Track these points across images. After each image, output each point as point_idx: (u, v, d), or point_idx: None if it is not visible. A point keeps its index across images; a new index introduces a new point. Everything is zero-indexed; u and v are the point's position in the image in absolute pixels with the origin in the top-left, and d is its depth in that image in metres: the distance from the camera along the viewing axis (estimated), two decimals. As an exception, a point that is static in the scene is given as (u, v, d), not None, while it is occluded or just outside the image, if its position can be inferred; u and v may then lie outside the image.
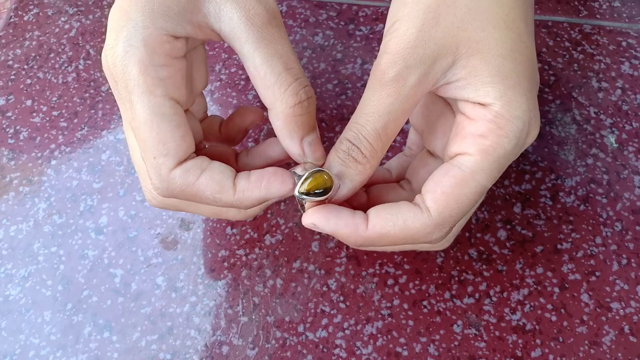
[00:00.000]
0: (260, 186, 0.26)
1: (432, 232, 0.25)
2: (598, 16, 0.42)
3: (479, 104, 0.24)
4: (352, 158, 0.25)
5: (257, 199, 0.26)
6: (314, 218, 0.26)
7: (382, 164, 0.33)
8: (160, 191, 0.27)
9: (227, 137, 0.32)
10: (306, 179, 0.25)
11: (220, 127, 0.32)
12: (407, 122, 0.36)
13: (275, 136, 0.28)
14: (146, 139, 0.25)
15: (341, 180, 0.26)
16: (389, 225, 0.25)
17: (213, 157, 0.30)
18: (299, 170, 0.26)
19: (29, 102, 0.41)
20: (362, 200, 0.30)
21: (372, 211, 0.26)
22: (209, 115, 0.33)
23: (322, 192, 0.25)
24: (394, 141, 0.38)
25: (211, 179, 0.26)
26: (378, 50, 0.41)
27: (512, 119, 0.24)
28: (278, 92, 0.26)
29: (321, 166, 0.27)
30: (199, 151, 0.30)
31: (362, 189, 0.30)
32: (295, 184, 0.26)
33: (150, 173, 0.26)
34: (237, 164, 0.31)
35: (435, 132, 0.30)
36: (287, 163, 0.30)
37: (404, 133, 0.38)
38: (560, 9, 0.42)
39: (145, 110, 0.25)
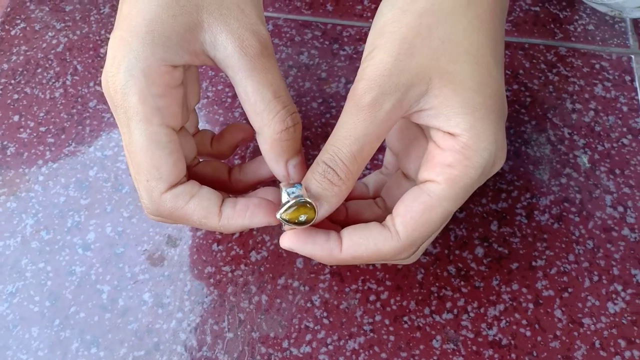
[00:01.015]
0: (245, 215, 0.28)
1: (402, 253, 0.27)
2: (573, 39, 0.43)
3: (449, 133, 0.26)
4: (328, 180, 0.26)
5: (241, 226, 0.28)
6: (291, 243, 0.28)
7: (360, 178, 0.35)
8: (149, 211, 0.28)
9: (217, 152, 0.34)
10: (290, 207, 0.26)
11: (212, 141, 0.34)
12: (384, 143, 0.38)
13: None
14: (141, 163, 0.27)
15: (318, 202, 0.27)
16: (361, 248, 0.27)
17: (207, 173, 0.32)
18: (285, 190, 0.27)
19: (16, 118, 0.42)
20: (342, 215, 0.31)
21: (345, 234, 0.27)
22: (200, 129, 0.34)
23: (304, 222, 0.26)
24: (376, 159, 0.39)
25: (199, 205, 0.28)
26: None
27: (479, 150, 0.25)
28: (266, 118, 0.27)
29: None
30: (192, 166, 0.32)
31: (342, 204, 0.31)
32: (279, 207, 0.27)
33: (142, 194, 0.28)
34: (230, 180, 0.33)
35: (409, 155, 0.31)
36: (275, 180, 0.31)
37: (383, 151, 0.39)
38: (536, 32, 0.44)
39: (142, 137, 0.26)
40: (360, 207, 0.32)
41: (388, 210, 0.32)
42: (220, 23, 0.27)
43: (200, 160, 0.33)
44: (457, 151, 0.25)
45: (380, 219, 0.31)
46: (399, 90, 0.25)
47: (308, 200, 0.26)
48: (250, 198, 0.29)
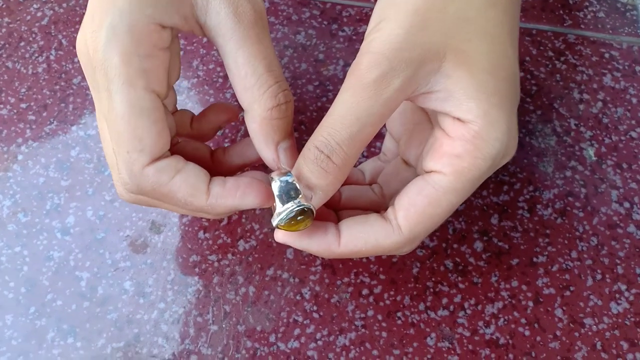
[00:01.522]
0: (235, 195, 0.26)
1: (403, 247, 0.26)
2: (582, 26, 0.41)
3: (459, 119, 0.24)
4: (322, 169, 0.24)
5: (230, 207, 0.26)
6: (286, 236, 0.26)
7: (356, 165, 0.33)
8: (129, 187, 0.25)
9: (198, 133, 0.31)
10: (288, 216, 0.24)
11: (192, 122, 0.31)
12: (383, 128, 0.36)
13: None
14: (121, 132, 0.24)
15: (312, 191, 0.25)
16: (360, 243, 0.25)
17: (187, 153, 0.29)
18: (278, 179, 0.26)
19: (-5, 93, 0.40)
20: (336, 200, 0.29)
21: (343, 227, 0.26)
22: (179, 109, 0.32)
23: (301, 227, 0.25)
24: (373, 146, 0.37)
25: (185, 181, 0.25)
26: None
27: (490, 140, 0.23)
28: (257, 93, 0.25)
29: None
30: (172, 146, 0.29)
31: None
32: (270, 193, 0.25)
33: (121, 168, 0.25)
34: (213, 162, 0.30)
35: (411, 141, 0.29)
36: (263, 164, 0.29)
37: (381, 138, 0.37)
38: (545, 17, 0.42)
39: (123, 103, 0.24)
40: (355, 192, 0.30)
41: (385, 197, 0.30)
42: None
43: (180, 140, 0.30)
44: (467, 140, 0.23)
45: (376, 206, 0.30)
46: (410, 66, 0.23)
47: (307, 205, 0.24)
48: (241, 177, 0.26)
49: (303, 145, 0.36)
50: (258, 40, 0.25)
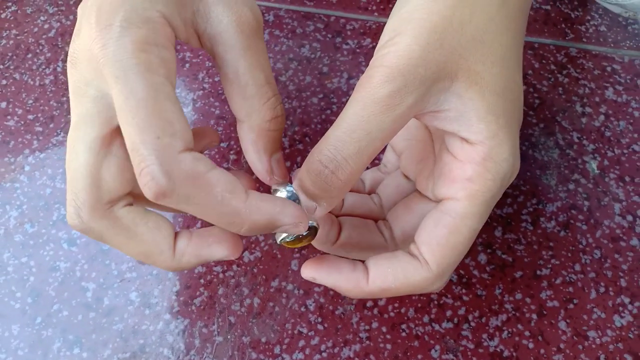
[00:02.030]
0: (276, 204, 0.23)
1: (434, 283, 0.25)
2: (584, 40, 0.42)
3: (466, 140, 0.24)
4: (326, 185, 0.23)
5: (268, 217, 0.23)
6: (315, 273, 0.25)
7: None
8: (157, 180, 0.21)
9: None
10: (297, 238, 0.25)
11: None
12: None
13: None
14: (148, 117, 0.21)
15: (316, 202, 0.24)
16: (389, 280, 0.25)
17: None
18: (284, 190, 0.26)
19: (3, 104, 0.40)
20: (337, 207, 0.30)
21: (371, 264, 0.25)
22: None
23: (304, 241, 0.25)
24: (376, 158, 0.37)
25: (224, 176, 0.22)
26: (365, 66, 0.41)
27: (499, 161, 0.23)
28: (257, 104, 0.25)
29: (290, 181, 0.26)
30: None
31: None
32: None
33: (150, 157, 0.21)
34: None
35: (412, 157, 0.29)
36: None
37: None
38: (547, 31, 0.42)
39: (146, 88, 0.21)
40: (357, 200, 0.30)
41: (383, 209, 0.31)
42: None
43: None
44: (477, 163, 0.23)
45: (376, 215, 0.30)
46: (424, 84, 0.22)
47: (314, 224, 0.25)
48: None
49: (306, 157, 0.37)
50: (258, 50, 0.25)
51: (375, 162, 0.37)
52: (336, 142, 0.23)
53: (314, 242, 0.27)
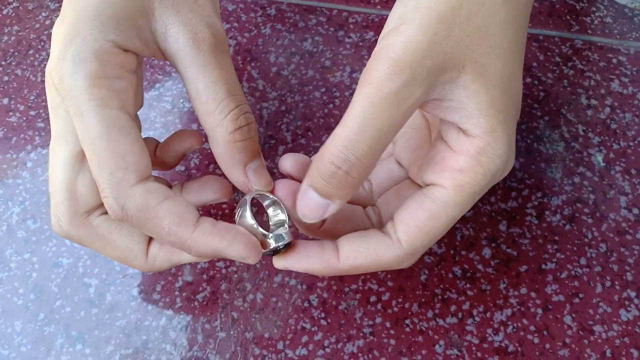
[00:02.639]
0: (224, 237, 0.25)
1: (404, 262, 0.26)
2: (589, 31, 0.41)
3: (464, 132, 0.24)
4: (340, 184, 0.23)
5: (215, 248, 0.25)
6: (285, 262, 0.26)
7: None
8: (113, 210, 0.24)
9: (161, 162, 0.30)
10: (276, 249, 0.26)
11: (156, 150, 0.30)
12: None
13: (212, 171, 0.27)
14: (103, 152, 0.23)
15: (329, 199, 0.24)
16: (360, 257, 0.25)
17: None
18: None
19: (5, 101, 0.40)
20: None
21: (341, 243, 0.26)
22: (143, 137, 0.31)
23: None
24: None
25: (174, 208, 0.24)
26: (368, 59, 0.40)
27: (493, 157, 0.23)
28: (218, 117, 0.25)
29: (272, 191, 0.27)
30: None
31: None
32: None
33: (106, 191, 0.24)
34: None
35: (407, 145, 0.29)
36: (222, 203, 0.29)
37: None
38: (552, 23, 0.42)
39: (99, 123, 0.23)
40: None
41: (373, 194, 0.31)
42: (172, 13, 0.25)
43: None
44: (471, 156, 0.23)
45: (363, 201, 0.30)
46: (431, 76, 0.22)
47: (288, 242, 0.26)
48: (236, 226, 0.25)
49: (309, 151, 0.37)
50: (218, 65, 0.25)
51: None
52: (347, 142, 0.22)
53: (298, 226, 0.28)
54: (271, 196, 0.26)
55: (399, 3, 0.24)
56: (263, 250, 0.26)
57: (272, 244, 0.25)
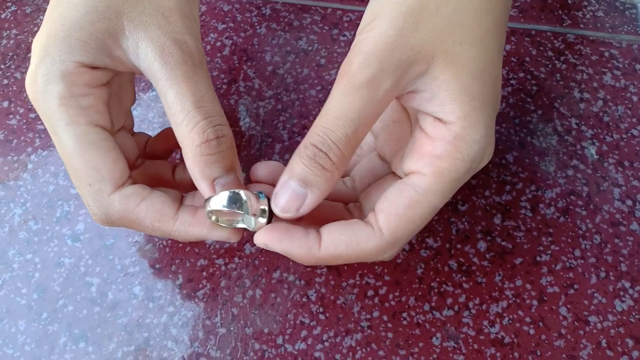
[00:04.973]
0: (204, 224, 0.27)
1: (385, 251, 0.26)
2: (582, 26, 0.42)
3: (440, 120, 0.24)
4: (320, 165, 0.24)
5: (197, 236, 0.27)
6: (266, 238, 0.26)
7: None
8: (98, 217, 0.27)
9: (151, 156, 0.32)
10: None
11: (146, 145, 0.32)
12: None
13: None
14: (78, 167, 0.26)
15: (308, 188, 0.25)
16: (342, 246, 0.25)
17: (149, 173, 0.30)
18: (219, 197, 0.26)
19: (5, 104, 0.40)
20: None
21: (324, 231, 0.26)
22: (135, 132, 0.33)
23: (264, 216, 0.26)
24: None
25: (151, 207, 0.26)
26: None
27: (470, 142, 0.24)
28: (185, 130, 0.26)
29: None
30: (135, 167, 0.30)
31: None
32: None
33: (88, 201, 0.26)
34: (174, 178, 0.31)
35: (389, 137, 0.30)
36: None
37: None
38: (544, 18, 0.42)
39: (72, 140, 0.25)
40: None
41: (356, 190, 0.31)
42: (140, 30, 0.26)
43: (144, 161, 0.31)
44: (448, 142, 0.24)
45: (346, 198, 0.30)
46: (400, 68, 0.23)
47: (271, 212, 0.26)
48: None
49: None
50: (187, 79, 0.26)
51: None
52: (324, 129, 0.24)
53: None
54: (227, 192, 0.26)
55: (373, 0, 0.25)
56: (241, 225, 0.26)
57: (252, 219, 0.26)
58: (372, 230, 0.25)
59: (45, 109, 0.25)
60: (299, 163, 0.25)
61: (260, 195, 0.26)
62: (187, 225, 0.27)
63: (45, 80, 0.25)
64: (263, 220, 0.26)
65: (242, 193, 0.25)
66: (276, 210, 0.25)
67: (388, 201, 0.25)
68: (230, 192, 0.26)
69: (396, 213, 0.25)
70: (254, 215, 0.26)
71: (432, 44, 0.24)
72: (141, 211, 0.26)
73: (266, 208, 0.26)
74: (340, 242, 0.25)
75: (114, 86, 0.28)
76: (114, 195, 0.26)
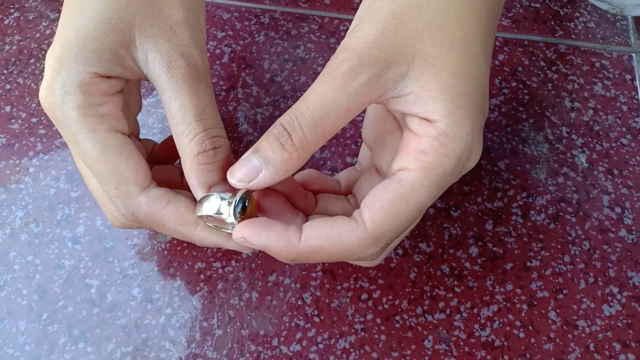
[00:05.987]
0: (222, 235, 0.28)
1: (368, 247, 0.25)
2: (573, 36, 0.43)
3: (426, 119, 0.25)
4: (281, 144, 0.25)
5: (215, 243, 0.28)
6: (245, 232, 0.25)
7: (333, 174, 0.34)
8: (126, 217, 0.28)
9: (157, 162, 0.33)
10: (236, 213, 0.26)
11: (153, 151, 0.34)
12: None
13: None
14: (103, 172, 0.27)
15: (265, 165, 0.25)
16: (323, 238, 0.24)
17: (157, 178, 0.30)
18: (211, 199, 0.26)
19: (7, 108, 0.41)
20: (311, 207, 0.30)
21: (306, 225, 0.25)
22: (141, 138, 0.34)
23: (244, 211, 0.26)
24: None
25: (176, 211, 0.28)
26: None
27: (455, 138, 0.24)
28: (185, 140, 0.27)
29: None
30: None
31: (312, 196, 0.30)
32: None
33: (117, 203, 0.28)
34: (183, 183, 0.32)
35: (382, 149, 0.30)
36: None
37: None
38: (536, 28, 0.43)
39: (95, 148, 0.26)
40: (330, 201, 0.31)
41: (359, 207, 0.31)
42: (150, 42, 0.27)
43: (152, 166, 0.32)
44: (433, 137, 0.24)
45: (350, 215, 0.30)
46: (377, 65, 0.24)
47: (248, 199, 0.26)
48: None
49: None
50: (191, 91, 0.27)
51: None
52: (295, 111, 0.25)
53: None
54: (218, 195, 0.26)
55: (361, 7, 0.27)
56: (230, 230, 0.26)
57: (234, 223, 0.25)
58: (355, 224, 0.25)
59: (64, 119, 0.26)
60: (264, 139, 0.25)
61: (243, 197, 0.26)
62: (207, 232, 0.28)
63: (63, 92, 0.26)
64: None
65: (214, 197, 0.26)
66: (232, 180, 0.25)
67: (374, 196, 0.25)
68: (204, 196, 0.27)
69: (381, 206, 0.24)
70: (235, 218, 0.26)
71: (412, 45, 0.25)
72: (166, 214, 0.27)
73: (242, 207, 0.26)
74: (321, 233, 0.25)
75: (124, 93, 0.29)
76: (140, 197, 0.27)
